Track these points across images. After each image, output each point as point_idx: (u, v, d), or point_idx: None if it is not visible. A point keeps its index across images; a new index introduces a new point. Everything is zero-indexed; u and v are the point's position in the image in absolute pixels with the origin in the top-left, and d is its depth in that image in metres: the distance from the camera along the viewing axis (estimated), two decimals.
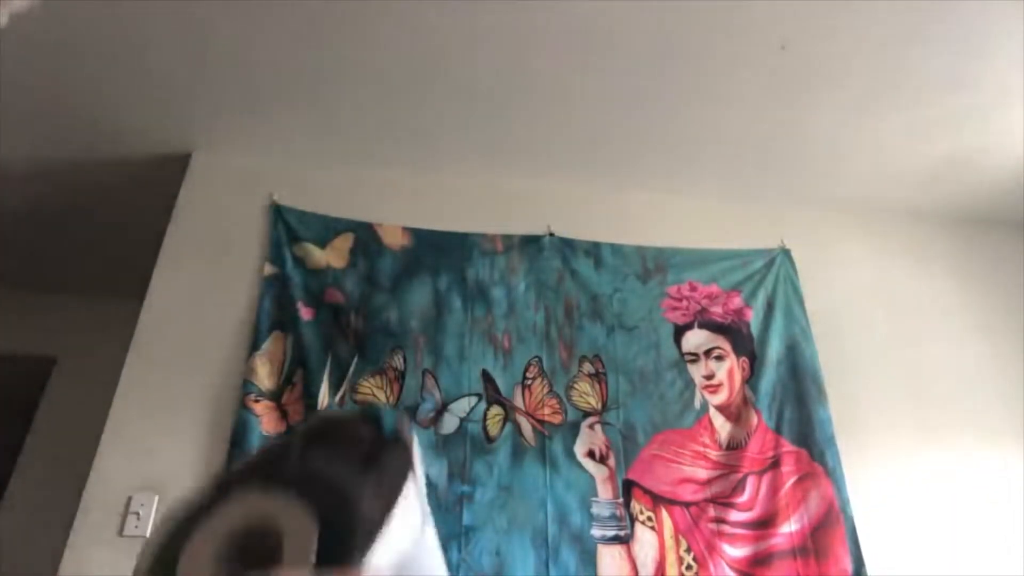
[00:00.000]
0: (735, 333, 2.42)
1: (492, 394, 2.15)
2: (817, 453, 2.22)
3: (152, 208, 2.37)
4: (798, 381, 2.35)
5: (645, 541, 2.01)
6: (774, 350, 2.39)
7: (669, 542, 2.02)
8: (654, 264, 2.49)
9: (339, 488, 0.34)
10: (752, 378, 2.33)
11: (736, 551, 2.03)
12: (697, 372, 2.32)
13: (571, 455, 2.10)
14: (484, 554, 1.91)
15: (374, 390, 2.09)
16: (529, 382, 2.20)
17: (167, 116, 2.29)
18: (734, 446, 2.20)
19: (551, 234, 2.46)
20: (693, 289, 2.47)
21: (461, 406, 2.11)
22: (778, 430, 2.25)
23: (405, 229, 2.38)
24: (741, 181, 2.66)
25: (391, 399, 2.08)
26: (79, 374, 2.99)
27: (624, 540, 2.01)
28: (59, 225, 2.83)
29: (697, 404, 2.26)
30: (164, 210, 2.28)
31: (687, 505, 2.08)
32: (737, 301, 2.48)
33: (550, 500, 2.02)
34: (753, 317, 2.45)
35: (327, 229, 2.32)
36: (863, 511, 2.15)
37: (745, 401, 2.29)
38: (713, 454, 2.18)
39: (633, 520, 2.04)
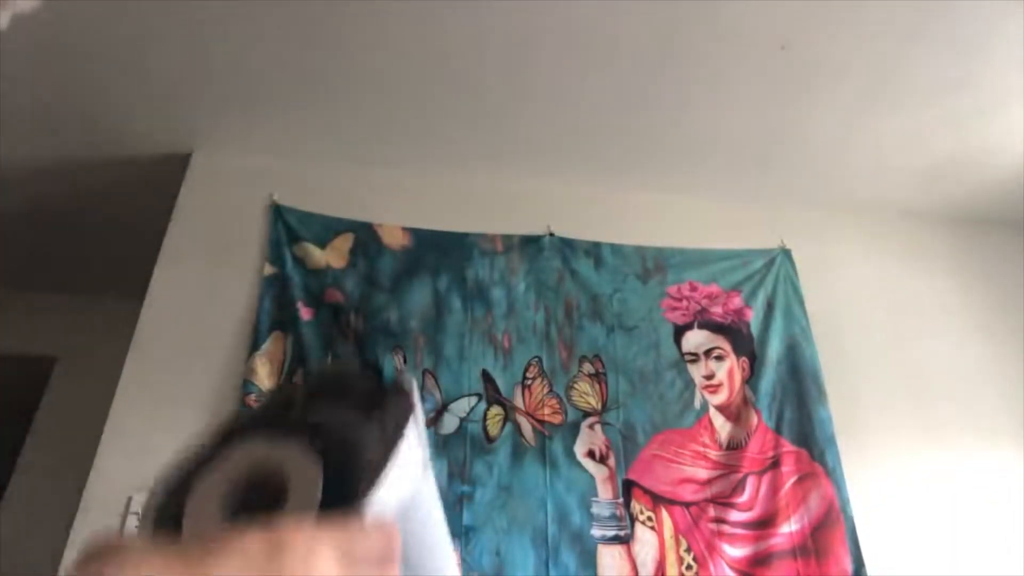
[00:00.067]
0: (735, 333, 2.42)
1: (492, 394, 2.15)
2: (817, 453, 2.22)
3: (152, 208, 2.37)
4: (798, 381, 2.35)
5: (645, 541, 2.01)
6: (774, 350, 2.39)
7: (669, 542, 2.02)
8: (654, 264, 2.49)
9: (342, 433, 0.34)
10: (752, 378, 2.33)
11: (736, 551, 2.03)
12: (697, 372, 2.32)
13: (571, 455, 2.10)
14: (484, 554, 1.91)
15: None
16: (529, 382, 2.20)
17: (168, 116, 2.29)
18: (734, 446, 2.20)
19: (551, 234, 2.46)
20: (693, 289, 2.47)
21: (461, 406, 2.11)
22: (778, 430, 2.25)
23: (405, 229, 2.38)
24: (741, 181, 2.66)
25: None
26: (79, 374, 2.99)
27: (624, 540, 2.01)
28: (59, 225, 2.83)
29: (697, 404, 2.26)
30: (164, 210, 2.28)
31: (687, 505, 2.08)
32: (737, 301, 2.48)
33: (550, 500, 2.02)
34: (753, 317, 2.45)
35: (327, 229, 2.32)
36: (863, 511, 2.15)
37: (745, 401, 2.29)
38: (713, 454, 2.18)
39: (633, 520, 2.04)
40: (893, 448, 2.32)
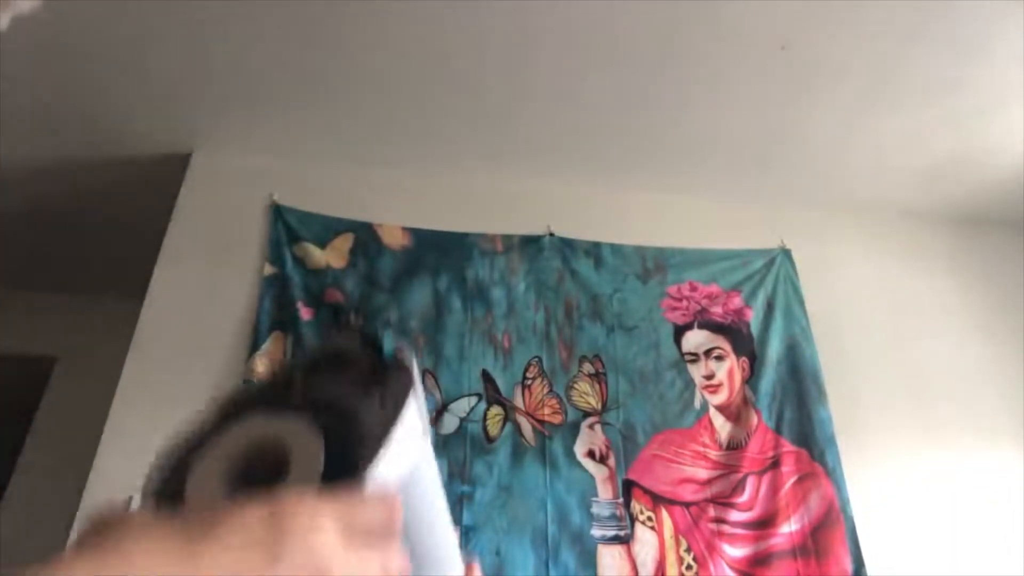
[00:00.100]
0: (735, 333, 2.42)
1: (492, 394, 2.15)
2: (817, 453, 2.22)
3: (152, 208, 2.37)
4: (798, 381, 2.35)
5: (645, 541, 2.01)
6: (774, 350, 2.39)
7: (669, 542, 2.02)
8: (654, 264, 2.49)
9: (342, 407, 0.34)
10: (752, 378, 2.33)
11: (736, 551, 2.03)
12: (697, 372, 2.32)
13: (571, 455, 2.10)
14: (484, 554, 1.91)
15: None
16: (529, 382, 2.20)
17: (168, 116, 2.29)
18: (734, 446, 2.20)
19: (551, 234, 2.46)
20: (693, 289, 2.47)
21: (461, 406, 2.11)
22: (778, 430, 2.25)
23: (405, 229, 2.38)
24: (741, 181, 2.66)
25: None
26: (79, 374, 2.99)
27: (624, 540, 2.01)
28: (59, 225, 2.83)
29: (697, 404, 2.26)
30: (164, 210, 2.28)
31: (687, 505, 2.08)
32: (737, 301, 2.48)
33: (550, 500, 2.02)
34: (753, 317, 2.45)
35: (327, 229, 2.32)
36: (863, 511, 2.15)
37: (745, 401, 2.29)
38: (713, 454, 2.18)
39: (633, 520, 2.04)
40: (893, 448, 2.32)
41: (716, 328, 2.41)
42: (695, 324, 2.41)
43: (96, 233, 2.87)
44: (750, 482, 2.15)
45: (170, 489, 0.33)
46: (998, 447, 2.39)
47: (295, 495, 0.29)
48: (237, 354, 2.07)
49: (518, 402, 2.16)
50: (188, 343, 2.07)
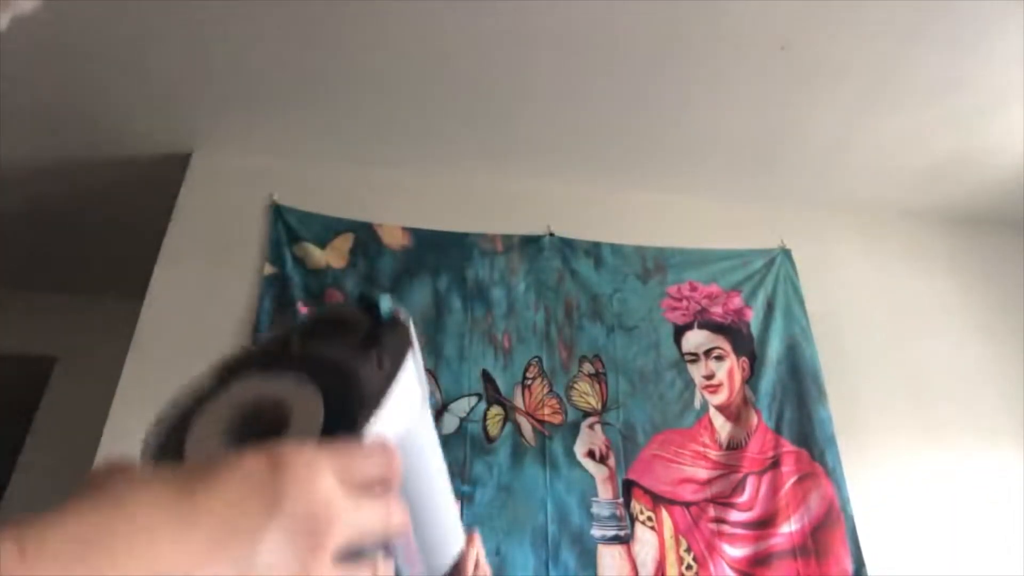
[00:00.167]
0: (735, 333, 2.42)
1: (492, 394, 2.15)
2: (817, 453, 2.22)
3: (152, 208, 2.37)
4: (798, 381, 2.35)
5: (645, 541, 2.01)
6: (774, 350, 2.39)
7: (669, 542, 2.02)
8: (654, 264, 2.49)
9: (341, 366, 0.34)
10: (752, 378, 2.33)
11: (736, 551, 2.03)
12: (697, 372, 2.32)
13: (571, 455, 2.10)
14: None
15: None
16: (529, 382, 2.20)
17: (167, 116, 2.29)
18: (734, 446, 2.20)
19: (551, 234, 2.46)
20: (693, 289, 2.47)
21: (461, 406, 2.11)
22: (778, 430, 2.25)
23: (405, 229, 2.38)
24: (741, 181, 2.66)
25: None
26: (79, 374, 2.99)
27: (624, 540, 2.01)
28: (59, 225, 2.82)
29: (697, 404, 2.26)
30: (164, 210, 2.28)
31: (687, 505, 2.08)
32: (737, 301, 2.48)
33: (550, 500, 2.02)
34: (753, 317, 2.45)
35: (327, 229, 2.32)
36: (863, 511, 2.15)
37: (745, 401, 2.29)
38: (713, 454, 2.18)
39: (633, 520, 2.04)
40: (893, 448, 2.32)
41: (716, 328, 2.41)
42: (695, 324, 2.41)
43: (96, 233, 2.87)
44: (750, 482, 2.15)
45: (170, 448, 0.33)
46: (998, 447, 2.39)
47: (293, 445, 0.29)
48: None
49: (518, 402, 2.16)
50: (188, 343, 2.07)
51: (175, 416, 0.35)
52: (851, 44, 2.05)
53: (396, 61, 2.08)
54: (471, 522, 1.94)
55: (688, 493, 2.10)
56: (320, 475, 0.28)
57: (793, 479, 2.17)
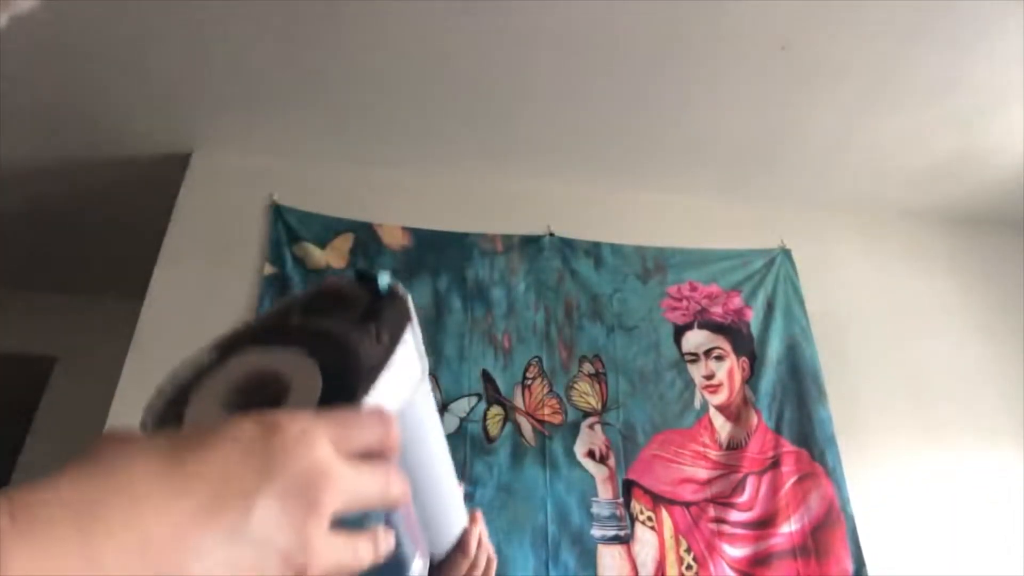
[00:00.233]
0: (735, 333, 2.42)
1: (492, 394, 2.15)
2: (817, 453, 2.22)
3: (152, 208, 2.37)
4: (798, 381, 2.35)
5: (645, 541, 2.01)
6: (774, 350, 2.39)
7: (669, 542, 2.02)
8: (654, 264, 2.49)
9: (339, 338, 0.34)
10: (752, 378, 2.33)
11: (736, 551, 2.03)
12: (697, 372, 2.32)
13: (571, 455, 2.10)
14: None
15: None
16: (529, 382, 2.20)
17: (167, 116, 2.29)
18: (734, 446, 2.20)
19: (551, 234, 2.46)
20: (693, 289, 2.47)
21: (461, 406, 2.11)
22: (778, 430, 2.25)
23: (405, 229, 2.38)
24: (741, 181, 2.66)
25: None
26: (79, 374, 2.99)
27: (624, 540, 2.01)
28: (59, 225, 2.82)
29: (697, 404, 2.26)
30: (164, 210, 2.28)
31: (687, 505, 2.08)
32: (737, 301, 2.48)
33: (550, 500, 2.02)
34: (753, 317, 2.45)
35: (327, 229, 2.32)
36: (863, 511, 2.15)
37: (745, 401, 2.29)
38: (713, 454, 2.18)
39: (633, 520, 2.04)
40: (893, 448, 2.32)
41: (716, 328, 2.41)
42: (695, 324, 2.41)
43: (96, 233, 2.87)
44: (750, 482, 2.15)
45: (168, 421, 0.33)
46: (998, 447, 2.39)
47: (288, 412, 0.29)
48: None
49: (518, 402, 2.16)
50: (188, 343, 2.04)
51: (174, 390, 0.35)
52: (851, 44, 2.05)
53: (396, 61, 2.08)
54: None
55: (688, 493, 2.10)
56: (315, 440, 0.28)
57: (793, 479, 2.17)
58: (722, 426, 2.23)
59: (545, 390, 2.19)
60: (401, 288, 0.39)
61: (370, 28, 1.97)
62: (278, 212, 2.31)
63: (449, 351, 2.19)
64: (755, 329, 2.43)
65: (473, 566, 0.56)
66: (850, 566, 2.05)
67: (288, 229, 2.29)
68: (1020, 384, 2.54)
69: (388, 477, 0.31)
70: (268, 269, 2.21)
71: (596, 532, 2.00)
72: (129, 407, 1.95)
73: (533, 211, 2.51)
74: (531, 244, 2.43)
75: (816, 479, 2.18)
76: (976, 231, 2.87)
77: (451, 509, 0.53)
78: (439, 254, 2.35)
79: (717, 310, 2.45)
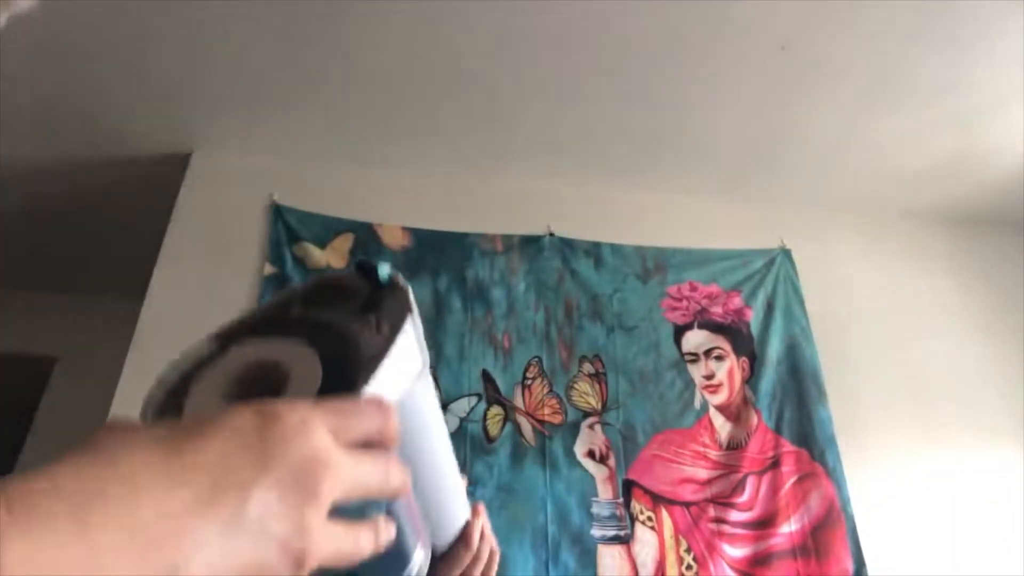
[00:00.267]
0: (735, 333, 2.42)
1: (492, 394, 2.15)
2: (817, 453, 2.22)
3: (152, 208, 2.37)
4: (798, 381, 2.35)
5: (645, 541, 2.01)
6: (774, 350, 2.39)
7: (669, 542, 2.02)
8: (654, 264, 2.49)
9: (339, 328, 0.34)
10: (752, 378, 2.33)
11: (736, 551, 2.03)
12: (697, 372, 2.32)
13: (571, 455, 2.10)
14: None
15: None
16: (529, 382, 2.20)
17: (167, 116, 2.29)
18: (734, 446, 2.20)
19: (551, 234, 2.46)
20: (693, 289, 2.47)
21: (461, 406, 2.11)
22: (778, 430, 2.25)
23: (405, 229, 2.38)
24: (741, 181, 2.66)
25: None
26: (79, 374, 2.99)
27: (624, 540, 2.00)
28: (59, 225, 2.82)
29: (697, 404, 2.26)
30: (164, 210, 2.28)
31: (687, 505, 2.08)
32: (737, 301, 2.48)
33: (550, 500, 2.02)
34: (753, 317, 2.45)
35: (327, 229, 2.32)
36: (863, 511, 2.15)
37: (745, 401, 2.29)
38: (713, 454, 2.18)
39: (633, 520, 2.04)
40: (893, 448, 2.32)
41: (716, 328, 2.41)
42: (695, 324, 2.41)
43: (96, 233, 2.87)
44: (750, 482, 2.15)
45: (168, 412, 0.33)
46: (998, 447, 2.39)
47: (286, 401, 0.29)
48: None
49: (518, 402, 2.16)
50: (188, 343, 2.07)
51: (174, 380, 0.34)
52: (851, 44, 2.05)
53: (396, 61, 2.08)
54: None
55: (688, 493, 2.10)
56: (314, 429, 0.27)
57: (793, 479, 2.17)
58: (722, 426, 2.23)
59: (545, 390, 2.19)
60: (401, 279, 0.39)
61: (370, 28, 1.97)
62: (278, 212, 2.31)
63: (449, 351, 2.19)
64: (755, 329, 2.43)
65: (476, 559, 0.56)
66: (850, 566, 2.05)
67: (288, 229, 2.29)
68: (1020, 384, 2.54)
69: (388, 467, 0.31)
70: (268, 269, 2.21)
71: (596, 532, 2.00)
72: (129, 407, 1.94)
73: (533, 211, 2.51)
74: (531, 244, 2.43)
75: (816, 479, 2.18)
76: (976, 231, 2.87)
77: (453, 501, 0.53)
78: (439, 254, 2.35)
79: (717, 310, 2.45)
